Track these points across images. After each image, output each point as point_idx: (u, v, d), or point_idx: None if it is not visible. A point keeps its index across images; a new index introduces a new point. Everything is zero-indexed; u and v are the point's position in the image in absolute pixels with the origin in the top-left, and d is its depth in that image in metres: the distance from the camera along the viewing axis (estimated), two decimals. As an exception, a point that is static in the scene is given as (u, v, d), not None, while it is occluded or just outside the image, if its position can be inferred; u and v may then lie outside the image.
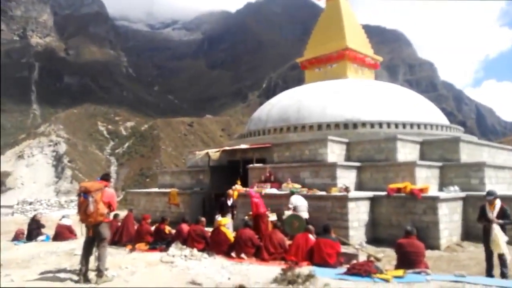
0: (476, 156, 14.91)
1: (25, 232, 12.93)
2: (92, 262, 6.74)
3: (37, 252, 10.00)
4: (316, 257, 7.85)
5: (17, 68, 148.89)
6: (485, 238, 7.50)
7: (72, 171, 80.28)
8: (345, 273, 6.83)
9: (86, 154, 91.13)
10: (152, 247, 9.96)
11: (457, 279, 6.44)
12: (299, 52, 26.97)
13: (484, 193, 8.26)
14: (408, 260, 6.90)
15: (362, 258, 8.01)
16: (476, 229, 9.41)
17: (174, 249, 9.06)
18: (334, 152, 14.31)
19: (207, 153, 17.07)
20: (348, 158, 14.77)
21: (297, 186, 12.98)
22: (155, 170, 64.97)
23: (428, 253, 8.94)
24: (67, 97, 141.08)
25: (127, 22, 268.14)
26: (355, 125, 16.68)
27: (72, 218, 13.84)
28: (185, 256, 8.57)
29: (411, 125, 16.89)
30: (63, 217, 13.87)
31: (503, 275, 7.19)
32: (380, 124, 16.68)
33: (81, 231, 11.07)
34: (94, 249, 6.74)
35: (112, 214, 8.50)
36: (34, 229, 12.82)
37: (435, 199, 10.89)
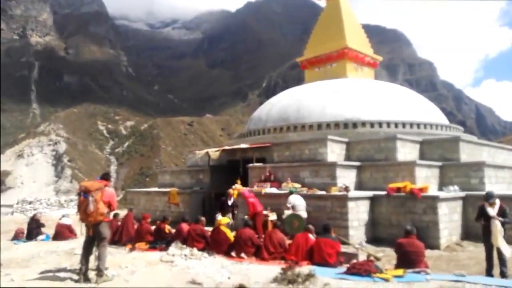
0: (476, 156, 14.90)
1: (25, 232, 12.92)
2: (92, 262, 6.74)
3: (37, 251, 10.00)
4: (316, 257, 7.85)
5: (17, 67, 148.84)
6: (485, 238, 7.51)
7: (71, 170, 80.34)
8: (345, 273, 6.83)
9: (86, 154, 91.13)
10: (152, 246, 9.97)
11: (457, 279, 6.45)
12: (299, 51, 26.97)
13: (484, 192, 8.27)
14: (408, 260, 6.90)
15: (362, 257, 8.01)
16: (476, 228, 9.42)
17: (174, 248, 9.06)
18: (334, 152, 14.31)
19: (207, 152, 17.06)
20: (348, 157, 14.77)
21: (297, 185, 12.98)
22: (155, 170, 65.03)
23: (428, 252, 8.94)
24: (66, 96, 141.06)
25: (127, 21, 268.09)
26: (355, 125, 16.67)
27: (72, 217, 13.84)
28: (185, 255, 8.57)
29: (411, 125, 16.89)
30: (63, 216, 13.86)
31: (503, 275, 7.20)
32: (380, 124, 16.68)
33: (81, 230, 11.09)
34: (94, 249, 6.74)
35: (112, 214, 8.50)
36: (34, 229, 12.81)
37: (435, 199, 10.88)
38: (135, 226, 11.32)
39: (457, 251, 10.31)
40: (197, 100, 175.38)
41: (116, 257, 8.60)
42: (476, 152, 15.21)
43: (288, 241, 8.85)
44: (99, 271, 6.49)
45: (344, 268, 7.21)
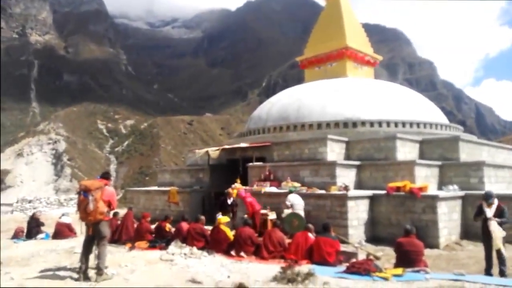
0: (476, 155, 14.92)
1: (25, 230, 12.93)
2: (92, 260, 6.74)
3: (37, 250, 10.00)
4: (316, 256, 7.86)
5: (17, 66, 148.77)
6: (485, 237, 7.52)
7: (71, 169, 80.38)
8: (345, 272, 6.84)
9: (85, 152, 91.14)
10: (152, 245, 9.96)
11: (456, 278, 6.46)
12: (299, 50, 26.93)
13: (483, 192, 8.27)
14: (407, 259, 6.91)
15: (362, 256, 8.02)
16: (475, 227, 9.43)
17: (173, 247, 9.06)
18: (334, 151, 14.33)
19: (207, 151, 17.06)
20: (347, 157, 14.78)
21: (297, 184, 13.00)
22: (155, 169, 65.07)
23: (427, 251, 8.96)
24: (66, 95, 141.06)
25: (127, 20, 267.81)
26: (354, 124, 16.68)
27: (71, 216, 13.85)
28: (185, 254, 8.58)
29: (411, 124, 16.89)
30: (63, 215, 13.84)
31: (502, 274, 7.21)
32: (380, 123, 16.68)
33: (80, 229, 11.11)
34: (94, 247, 6.74)
35: (111, 213, 8.49)
36: (33, 227, 12.82)
37: (434, 198, 10.90)
38: (135, 225, 11.33)
39: (457, 250, 10.33)
40: (197, 99, 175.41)
41: (115, 256, 8.60)
42: (476, 152, 15.21)
43: (287, 240, 8.86)
44: (99, 270, 6.49)
45: (343, 267, 7.22)
